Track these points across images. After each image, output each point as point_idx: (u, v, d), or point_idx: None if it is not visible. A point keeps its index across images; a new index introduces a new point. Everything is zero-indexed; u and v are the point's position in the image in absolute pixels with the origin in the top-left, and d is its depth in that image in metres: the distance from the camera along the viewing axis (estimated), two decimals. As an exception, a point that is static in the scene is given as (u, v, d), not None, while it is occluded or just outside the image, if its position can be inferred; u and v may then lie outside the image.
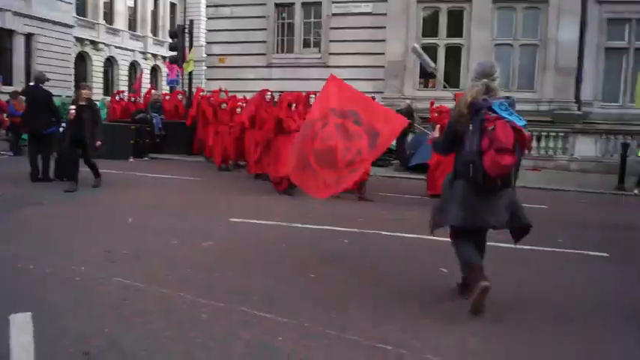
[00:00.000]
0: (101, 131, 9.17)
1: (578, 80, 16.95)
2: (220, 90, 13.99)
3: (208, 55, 19.65)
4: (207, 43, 19.80)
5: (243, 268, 5.02)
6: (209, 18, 19.67)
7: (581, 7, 16.90)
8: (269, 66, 18.94)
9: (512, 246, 5.98)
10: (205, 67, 20.19)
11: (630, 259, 6.05)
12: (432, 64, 6.50)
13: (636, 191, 11.46)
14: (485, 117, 3.85)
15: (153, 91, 21.01)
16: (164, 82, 33.67)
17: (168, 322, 3.65)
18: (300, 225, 6.93)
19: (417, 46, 6.92)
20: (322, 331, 3.60)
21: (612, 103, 16.96)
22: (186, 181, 11.04)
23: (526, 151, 4.13)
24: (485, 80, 4.06)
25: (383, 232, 6.72)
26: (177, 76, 19.25)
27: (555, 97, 16.82)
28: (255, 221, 7.04)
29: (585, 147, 15.11)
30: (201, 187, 10.30)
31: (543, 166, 14.83)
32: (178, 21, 37.08)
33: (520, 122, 3.84)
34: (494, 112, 3.85)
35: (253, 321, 3.74)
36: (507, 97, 4.04)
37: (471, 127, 3.94)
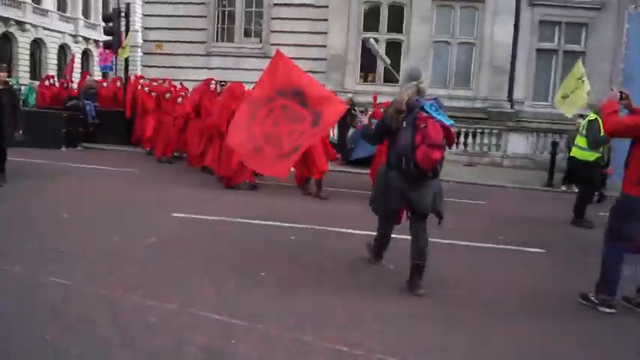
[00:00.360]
0: (21, 117, 8.59)
1: (511, 79, 17.61)
2: (165, 80, 13.58)
3: (145, 41, 19.00)
4: (144, 28, 19.11)
5: (190, 266, 4.89)
6: (146, 2, 18.99)
7: (515, 8, 17.54)
8: (208, 54, 18.53)
9: (456, 242, 6.26)
10: (141, 54, 19.48)
11: (565, 255, 6.35)
12: (387, 59, 6.76)
13: (564, 187, 12.06)
14: (418, 116, 4.32)
15: (87, 77, 20.04)
16: (97, 68, 32.20)
17: (115, 326, 3.50)
18: (245, 220, 6.81)
19: (372, 40, 7.10)
20: (277, 333, 3.56)
21: (542, 103, 17.72)
22: (125, 172, 10.61)
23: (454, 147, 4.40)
24: (415, 82, 4.50)
25: (329, 228, 6.72)
26: (111, 61, 18.45)
27: (490, 95, 17.40)
28: (199, 216, 6.88)
29: (517, 144, 15.76)
30: (141, 180, 9.94)
31: (478, 161, 15.34)
32: (111, 3, 35.64)
33: (448, 122, 4.35)
34: (426, 111, 4.32)
35: (205, 323, 3.65)
36: (435, 99, 4.51)
37: (404, 124, 4.39)
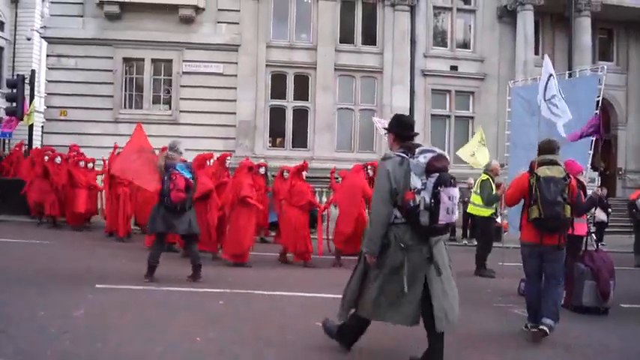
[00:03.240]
0: None
1: (410, 142, 18.96)
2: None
3: (48, 107, 18.52)
4: (47, 94, 18.67)
5: (124, 336, 4.91)
6: (50, 68, 18.65)
7: (409, 78, 19.18)
8: (116, 121, 18.35)
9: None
10: (45, 120, 18.92)
11: (475, 303, 6.93)
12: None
13: (465, 241, 13.11)
14: (172, 172, 7.20)
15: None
16: None
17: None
18: (172, 288, 6.91)
19: (375, 118, 8.43)
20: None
21: (439, 163, 19.15)
22: (36, 244, 10.27)
23: None
24: (171, 152, 7.45)
25: (254, 292, 6.98)
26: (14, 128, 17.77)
27: (392, 157, 18.59)
28: (123, 287, 6.87)
29: (420, 203, 16.84)
30: (56, 251, 9.67)
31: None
32: (5, 67, 34.32)
33: (188, 175, 7.31)
34: (177, 170, 7.23)
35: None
36: (185, 161, 7.62)
37: (166, 177, 7.22)
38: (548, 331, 5.25)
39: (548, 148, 5.59)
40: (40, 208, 12.95)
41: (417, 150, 4.12)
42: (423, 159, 4.01)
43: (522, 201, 5.57)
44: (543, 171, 5.36)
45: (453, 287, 4.26)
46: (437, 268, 4.08)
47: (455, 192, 3.98)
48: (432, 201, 3.90)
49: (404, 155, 4.12)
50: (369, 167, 9.72)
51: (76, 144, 14.34)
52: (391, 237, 4.06)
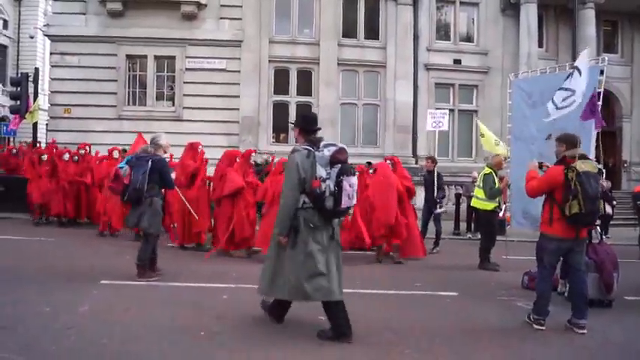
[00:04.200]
0: None
1: (414, 137, 18.98)
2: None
3: (52, 105, 18.59)
4: (51, 92, 18.73)
5: (129, 333, 4.92)
6: (53, 66, 18.68)
7: (413, 72, 19.14)
8: (119, 118, 18.39)
9: (378, 292, 6.72)
10: (49, 118, 18.98)
11: (475, 296, 6.99)
12: None
13: (469, 235, 13.10)
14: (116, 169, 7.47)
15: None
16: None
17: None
18: (177, 284, 6.93)
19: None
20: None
21: (443, 157, 19.13)
22: (40, 241, 10.33)
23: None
24: (144, 146, 7.55)
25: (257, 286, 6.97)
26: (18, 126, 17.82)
27: (396, 152, 18.49)
28: (128, 282, 6.90)
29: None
30: (60, 248, 9.70)
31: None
32: (9, 65, 34.45)
33: (122, 170, 7.08)
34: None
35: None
36: (137, 156, 7.07)
37: None
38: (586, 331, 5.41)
39: (576, 141, 5.53)
40: (42, 208, 12.98)
41: (322, 144, 4.71)
42: (327, 152, 4.61)
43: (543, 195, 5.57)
44: (579, 165, 5.31)
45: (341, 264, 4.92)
46: (338, 245, 4.85)
47: (354, 180, 4.67)
48: (336, 188, 4.55)
49: (310, 148, 4.71)
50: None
51: (85, 142, 14.34)
52: (301, 220, 4.67)
